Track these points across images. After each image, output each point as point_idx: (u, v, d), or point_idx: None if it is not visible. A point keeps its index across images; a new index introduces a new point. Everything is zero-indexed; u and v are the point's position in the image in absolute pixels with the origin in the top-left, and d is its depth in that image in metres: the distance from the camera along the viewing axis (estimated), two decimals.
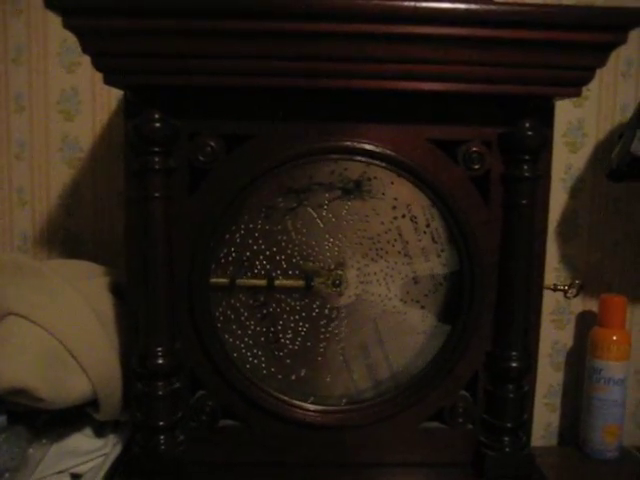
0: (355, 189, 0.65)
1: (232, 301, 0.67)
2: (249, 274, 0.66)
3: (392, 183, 0.66)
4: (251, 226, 0.66)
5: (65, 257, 0.91)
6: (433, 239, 0.68)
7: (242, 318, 0.67)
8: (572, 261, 0.95)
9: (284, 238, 0.66)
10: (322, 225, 0.66)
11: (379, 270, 0.68)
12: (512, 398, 0.66)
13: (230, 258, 0.66)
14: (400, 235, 0.67)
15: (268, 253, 0.67)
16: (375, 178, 0.66)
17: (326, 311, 0.68)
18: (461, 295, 0.66)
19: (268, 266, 0.67)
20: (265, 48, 0.57)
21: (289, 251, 0.67)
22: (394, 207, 0.67)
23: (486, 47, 0.57)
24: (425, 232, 0.67)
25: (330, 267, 0.67)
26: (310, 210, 0.66)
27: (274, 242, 0.66)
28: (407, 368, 0.70)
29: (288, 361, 0.68)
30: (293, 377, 0.69)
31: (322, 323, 0.68)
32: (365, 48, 0.57)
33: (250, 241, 0.66)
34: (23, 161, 0.91)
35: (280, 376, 0.69)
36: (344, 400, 0.69)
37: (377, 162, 0.63)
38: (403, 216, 0.67)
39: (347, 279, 0.68)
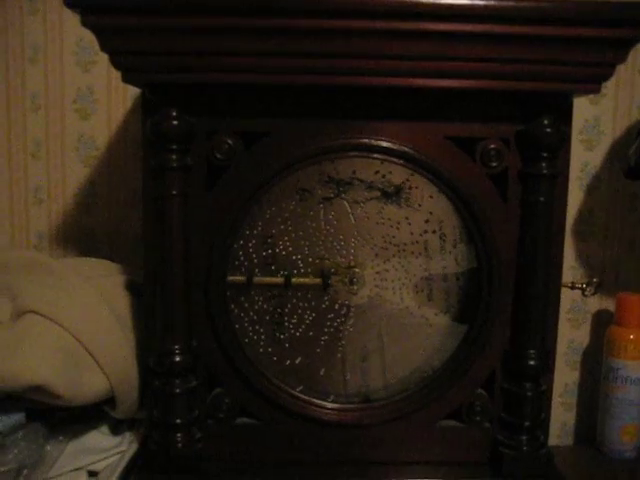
0: (394, 194, 0.65)
1: (246, 273, 0.67)
2: (270, 251, 0.66)
3: (431, 197, 0.66)
4: (283, 205, 0.66)
5: (81, 255, 0.91)
6: (456, 261, 0.68)
7: (252, 292, 0.67)
8: (589, 259, 0.94)
9: (313, 225, 0.66)
10: (353, 221, 0.66)
11: (396, 278, 0.68)
12: (530, 396, 0.65)
13: (251, 246, 0.66)
14: (426, 249, 0.67)
15: (294, 235, 0.66)
16: (416, 188, 0.66)
17: (336, 306, 0.68)
18: (479, 294, 0.66)
19: (290, 248, 0.66)
20: (281, 45, 0.57)
21: (314, 238, 0.66)
22: (427, 221, 0.67)
23: (505, 44, 0.57)
24: (450, 252, 0.68)
25: (350, 264, 0.67)
26: (346, 204, 0.66)
27: (302, 226, 0.66)
28: (401, 382, 0.70)
29: (287, 345, 0.68)
30: (287, 362, 0.68)
31: (329, 317, 0.68)
32: (382, 45, 0.57)
33: (279, 219, 0.66)
34: (39, 160, 0.91)
35: (275, 358, 0.68)
36: (331, 397, 0.69)
37: (395, 159, 0.63)
38: (433, 232, 0.67)
39: (364, 279, 0.67)
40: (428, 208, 0.67)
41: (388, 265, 0.68)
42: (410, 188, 0.66)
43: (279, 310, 0.68)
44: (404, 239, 0.67)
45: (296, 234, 0.66)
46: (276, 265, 0.67)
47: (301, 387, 0.68)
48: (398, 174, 0.66)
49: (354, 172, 0.66)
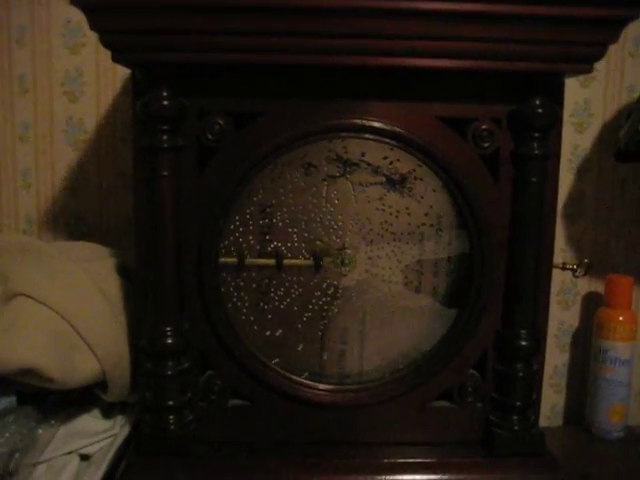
0: (399, 182, 0.65)
1: (240, 239, 0.66)
2: (267, 220, 0.66)
3: (434, 191, 0.66)
4: (288, 176, 0.65)
5: (71, 239, 0.91)
6: (449, 257, 0.68)
7: (248, 229, 0.67)
8: (579, 242, 0.95)
9: (313, 200, 0.66)
10: (355, 203, 0.66)
11: (387, 266, 0.68)
12: (521, 377, 0.66)
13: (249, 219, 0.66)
14: (421, 241, 0.67)
15: (293, 208, 0.66)
16: (421, 180, 0.66)
17: (324, 285, 0.68)
18: (470, 275, 0.66)
19: (288, 220, 0.66)
20: (274, 25, 0.56)
21: (313, 215, 0.66)
22: (426, 214, 0.67)
23: (497, 23, 0.57)
24: (444, 248, 0.68)
25: (344, 245, 0.67)
26: (350, 185, 0.65)
27: (303, 200, 0.66)
28: (379, 369, 0.70)
29: (269, 316, 0.68)
30: (267, 333, 0.68)
31: (316, 294, 0.68)
32: (374, 24, 0.56)
33: (281, 190, 0.65)
34: (27, 143, 0.90)
35: (256, 327, 0.68)
36: (305, 374, 0.68)
37: (387, 140, 0.62)
38: (431, 225, 0.67)
39: (355, 262, 0.67)
40: (429, 202, 0.66)
41: (381, 252, 0.67)
42: (415, 179, 0.66)
43: (267, 281, 0.67)
44: (401, 228, 0.67)
45: (295, 207, 0.66)
46: (271, 235, 0.66)
47: (277, 360, 0.68)
48: (406, 163, 0.65)
49: (363, 154, 0.65)
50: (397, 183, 0.66)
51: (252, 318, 0.68)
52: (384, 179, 0.66)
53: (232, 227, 0.66)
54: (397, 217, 0.67)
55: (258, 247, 0.67)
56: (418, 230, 0.67)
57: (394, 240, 0.67)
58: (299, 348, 0.69)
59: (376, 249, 0.67)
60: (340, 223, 0.67)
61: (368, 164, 0.66)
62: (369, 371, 0.70)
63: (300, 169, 0.65)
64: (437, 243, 0.67)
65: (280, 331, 0.68)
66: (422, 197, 0.66)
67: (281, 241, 0.66)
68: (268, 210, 0.66)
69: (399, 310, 0.69)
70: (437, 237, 0.67)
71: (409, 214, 0.67)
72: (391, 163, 0.66)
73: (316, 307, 0.68)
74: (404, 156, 0.65)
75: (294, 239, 0.66)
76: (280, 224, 0.66)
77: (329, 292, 0.68)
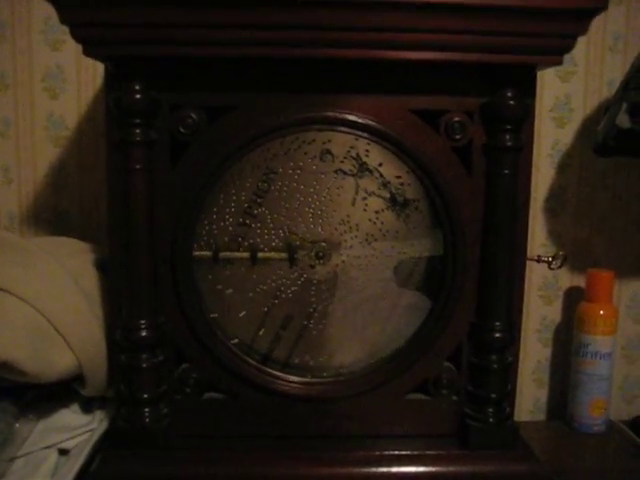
0: (400, 205, 0.65)
1: (215, 232, 0.66)
2: (265, 185, 0.65)
3: (427, 227, 0.66)
4: (304, 153, 0.65)
5: (52, 235, 0.91)
6: (421, 287, 0.69)
7: (226, 209, 0.66)
8: (560, 236, 0.95)
9: (316, 186, 0.66)
10: (352, 205, 0.66)
11: (359, 276, 0.68)
12: (496, 369, 0.66)
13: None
14: (396, 267, 0.68)
15: (295, 184, 0.66)
16: (421, 212, 0.66)
17: (290, 267, 0.68)
18: (444, 269, 0.66)
19: (285, 193, 0.66)
20: (246, 17, 0.57)
21: (310, 199, 0.66)
22: (412, 244, 0.67)
23: (468, 15, 0.57)
24: (417, 284, 0.69)
25: (324, 239, 0.67)
26: (356, 187, 0.66)
27: (307, 181, 0.66)
28: (300, 371, 0.69)
29: (227, 273, 0.67)
30: (219, 287, 0.68)
31: (278, 272, 0.68)
32: (348, 16, 0.57)
33: (292, 163, 0.65)
34: (8, 140, 0.90)
35: (210, 277, 0.67)
36: (235, 340, 0.68)
37: (359, 133, 0.63)
38: (411, 257, 0.68)
39: (330, 259, 0.67)
40: (420, 237, 0.67)
41: (355, 260, 0.68)
42: (417, 209, 0.66)
43: (240, 239, 0.67)
44: (384, 249, 0.67)
45: (297, 184, 0.66)
46: (262, 200, 0.66)
47: (216, 315, 0.67)
48: (414, 190, 0.66)
49: (380, 164, 0.65)
50: (398, 205, 0.66)
51: (210, 277, 0.67)
52: (389, 195, 0.66)
53: (206, 221, 0.66)
54: (384, 235, 0.67)
55: (246, 205, 0.66)
56: (399, 257, 0.68)
57: (373, 255, 0.67)
58: (241, 314, 0.68)
59: (354, 258, 0.67)
60: (331, 218, 0.67)
61: (381, 175, 0.66)
62: (345, 364, 0.70)
63: (318, 152, 0.65)
64: (411, 275, 0.68)
65: (230, 291, 0.68)
66: (415, 228, 0.67)
67: (270, 209, 0.66)
68: (271, 176, 0.65)
69: (375, 307, 0.69)
70: (413, 269, 0.68)
71: (396, 238, 0.67)
72: (401, 184, 0.66)
73: (273, 284, 0.68)
74: (415, 183, 0.65)
75: (282, 213, 0.66)
76: (276, 193, 0.66)
77: (292, 276, 0.68)
